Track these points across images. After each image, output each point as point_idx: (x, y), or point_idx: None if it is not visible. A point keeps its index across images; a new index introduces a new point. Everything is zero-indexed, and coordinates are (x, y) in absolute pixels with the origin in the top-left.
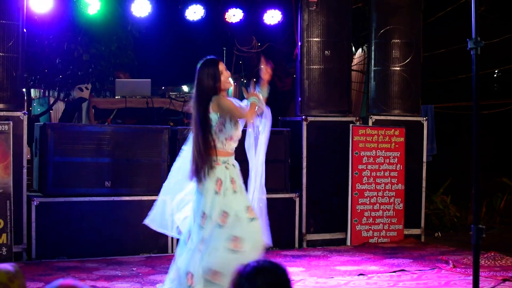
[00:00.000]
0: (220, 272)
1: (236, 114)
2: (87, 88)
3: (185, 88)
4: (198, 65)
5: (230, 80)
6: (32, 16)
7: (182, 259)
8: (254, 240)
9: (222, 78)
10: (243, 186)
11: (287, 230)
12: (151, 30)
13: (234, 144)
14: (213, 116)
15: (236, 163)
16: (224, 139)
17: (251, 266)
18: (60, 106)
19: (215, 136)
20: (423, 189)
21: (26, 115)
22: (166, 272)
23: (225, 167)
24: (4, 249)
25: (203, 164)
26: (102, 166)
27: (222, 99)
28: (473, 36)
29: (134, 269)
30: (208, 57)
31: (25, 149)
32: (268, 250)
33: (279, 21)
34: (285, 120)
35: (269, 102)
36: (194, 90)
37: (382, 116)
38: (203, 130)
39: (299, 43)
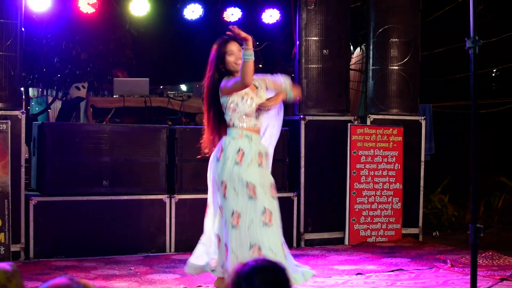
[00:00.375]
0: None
1: (236, 86)
2: (84, 87)
3: (183, 87)
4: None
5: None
6: (30, 15)
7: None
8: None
9: (231, 58)
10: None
11: (285, 229)
12: (150, 29)
13: (254, 121)
14: (223, 100)
15: (263, 144)
16: (240, 117)
17: (250, 265)
18: (58, 105)
19: (231, 116)
20: (421, 189)
21: (24, 114)
22: (164, 272)
23: (248, 140)
24: (2, 248)
25: (218, 135)
26: (100, 165)
27: (227, 81)
28: (471, 35)
29: (132, 268)
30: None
31: (23, 148)
32: None
33: (277, 20)
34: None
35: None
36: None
37: (380, 115)
38: (215, 109)
39: (298, 42)
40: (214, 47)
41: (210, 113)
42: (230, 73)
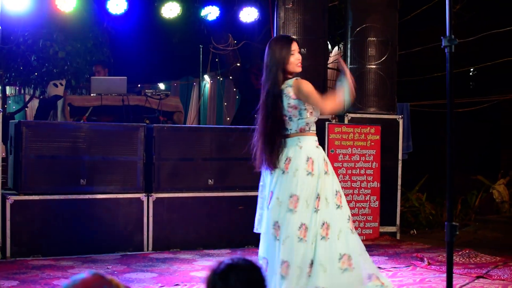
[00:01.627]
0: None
1: (314, 102)
2: (61, 84)
3: (161, 85)
4: (269, 43)
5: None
6: (7, 13)
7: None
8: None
9: (293, 59)
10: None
11: None
12: (127, 28)
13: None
14: (296, 102)
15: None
16: (314, 122)
17: (225, 263)
18: (36, 104)
19: (308, 120)
20: (399, 187)
21: (1, 113)
22: (141, 270)
23: (316, 146)
24: None
25: (274, 148)
26: (78, 164)
27: (303, 83)
28: (448, 34)
29: (110, 267)
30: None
31: (0, 146)
32: (243, 248)
33: (255, 19)
34: None
35: (245, 99)
36: (263, 71)
37: (358, 114)
38: (278, 113)
39: None
40: (276, 47)
41: (270, 119)
42: (290, 73)
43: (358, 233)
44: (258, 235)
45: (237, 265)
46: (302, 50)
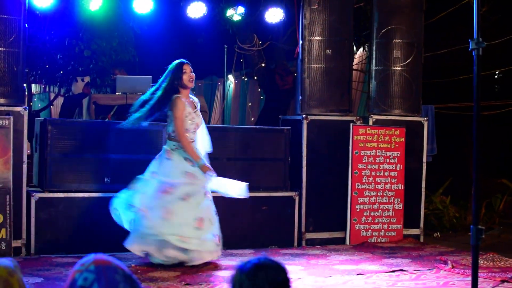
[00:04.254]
0: None
1: (176, 125)
2: (82, 80)
3: None
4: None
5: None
6: (33, 11)
7: None
8: None
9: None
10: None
11: (286, 228)
12: (153, 27)
13: (192, 135)
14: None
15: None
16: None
17: (252, 263)
18: (61, 102)
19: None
20: (423, 189)
21: (27, 110)
22: (165, 269)
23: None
24: (3, 244)
25: None
26: (102, 162)
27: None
28: (475, 36)
29: (133, 265)
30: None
31: (25, 144)
32: (267, 248)
33: (280, 20)
34: (285, 118)
35: (269, 100)
36: None
37: (382, 116)
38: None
39: (301, 42)
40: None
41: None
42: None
43: (381, 235)
44: (281, 235)
45: (264, 264)
46: (328, 51)
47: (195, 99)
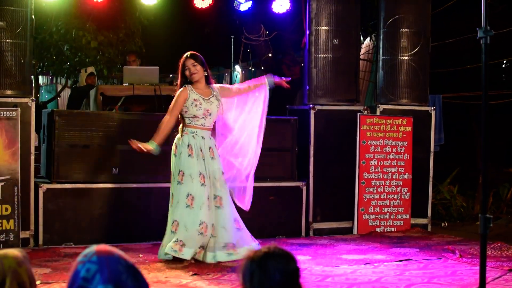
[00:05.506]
0: None
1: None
2: (85, 71)
3: None
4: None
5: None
6: (40, 3)
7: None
8: None
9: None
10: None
11: (294, 218)
12: (160, 18)
13: (202, 121)
14: None
15: (207, 136)
16: (190, 117)
17: (263, 252)
18: (68, 93)
19: (185, 115)
20: (430, 179)
21: (34, 102)
22: (173, 260)
23: (192, 136)
24: (11, 235)
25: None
26: (110, 153)
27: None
28: (483, 25)
29: (141, 255)
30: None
31: (33, 135)
32: (274, 238)
33: (287, 10)
34: (292, 108)
35: (276, 90)
36: None
37: (389, 106)
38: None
39: (308, 32)
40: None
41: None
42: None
43: (389, 224)
44: (289, 225)
45: (274, 253)
46: (335, 41)
47: (214, 88)
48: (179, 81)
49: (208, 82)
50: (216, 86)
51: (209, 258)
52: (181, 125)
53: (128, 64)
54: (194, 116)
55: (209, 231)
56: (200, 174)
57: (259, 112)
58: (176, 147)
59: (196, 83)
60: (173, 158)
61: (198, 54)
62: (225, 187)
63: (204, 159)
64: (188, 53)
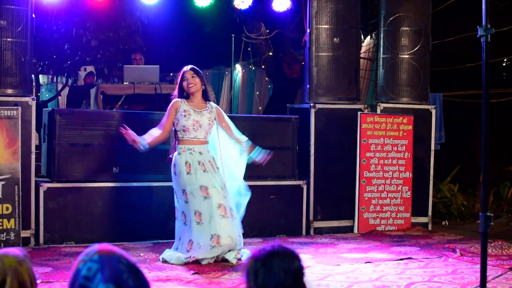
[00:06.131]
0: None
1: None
2: (85, 70)
3: None
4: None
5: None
6: (40, 2)
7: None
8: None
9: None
10: (213, 167)
11: (295, 217)
12: (160, 16)
13: (194, 133)
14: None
15: (205, 151)
16: (181, 130)
17: (267, 250)
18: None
19: (176, 128)
20: (431, 178)
21: (35, 101)
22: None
23: (190, 153)
24: (12, 234)
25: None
26: (111, 152)
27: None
28: (484, 23)
29: (142, 254)
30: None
31: (34, 134)
32: (275, 237)
33: (288, 8)
34: (293, 107)
35: (277, 89)
36: None
37: (390, 104)
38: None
39: (308, 30)
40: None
41: None
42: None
43: (389, 223)
44: (290, 224)
45: (279, 252)
46: (335, 39)
47: (211, 105)
48: (176, 92)
49: (205, 97)
50: (214, 105)
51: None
52: (177, 143)
53: (133, 62)
54: (185, 129)
55: (224, 240)
56: (201, 188)
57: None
58: (175, 166)
59: (192, 97)
60: (173, 177)
61: (198, 69)
62: (230, 196)
63: (207, 171)
64: (189, 66)
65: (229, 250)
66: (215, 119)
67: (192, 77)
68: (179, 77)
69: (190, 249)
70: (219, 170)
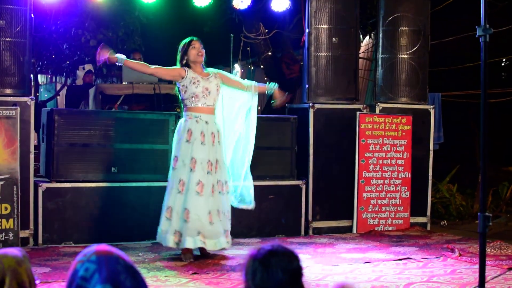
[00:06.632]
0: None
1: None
2: (83, 69)
3: None
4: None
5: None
6: (39, 1)
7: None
8: None
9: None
10: (213, 140)
11: (293, 217)
12: (159, 16)
13: (203, 99)
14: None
15: (212, 121)
16: (190, 98)
17: (265, 249)
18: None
19: (184, 97)
20: (430, 178)
21: (34, 101)
22: (172, 259)
23: (196, 121)
24: (11, 234)
25: None
26: (109, 152)
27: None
28: (482, 23)
29: (141, 254)
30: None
31: (32, 134)
32: (274, 237)
33: (287, 8)
34: (292, 107)
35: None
36: None
37: (389, 104)
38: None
39: (307, 30)
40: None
41: None
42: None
43: (388, 223)
44: (289, 224)
45: (277, 251)
46: (334, 39)
47: (213, 72)
48: (178, 57)
49: (204, 66)
50: (215, 70)
51: (210, 245)
52: (184, 110)
53: None
54: (194, 96)
55: (202, 218)
56: (191, 159)
57: (243, 117)
58: (178, 132)
59: (193, 66)
60: (173, 143)
61: None
62: (226, 173)
63: (204, 143)
64: (194, 37)
65: (204, 237)
66: (219, 84)
67: (201, 47)
68: (184, 45)
69: (170, 217)
70: (220, 144)
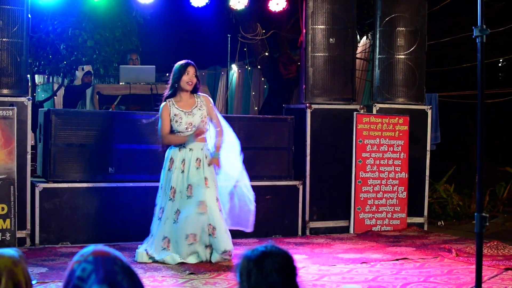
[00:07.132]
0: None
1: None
2: (83, 69)
3: None
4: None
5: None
6: (36, 2)
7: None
8: None
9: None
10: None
11: (290, 217)
12: (156, 17)
13: (188, 133)
14: None
15: (198, 148)
16: (175, 132)
17: (259, 250)
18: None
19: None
20: (427, 178)
21: (30, 101)
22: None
23: (178, 150)
24: (7, 235)
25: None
26: (106, 152)
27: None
28: (479, 23)
29: None
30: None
31: (29, 134)
32: (271, 237)
33: (284, 8)
34: (289, 107)
35: (273, 89)
36: None
37: (386, 104)
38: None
39: (304, 31)
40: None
41: None
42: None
43: (385, 223)
44: (285, 224)
45: (271, 252)
46: (331, 40)
47: (199, 99)
48: (169, 83)
49: (193, 91)
50: (203, 95)
51: (191, 260)
52: None
53: (130, 62)
54: (177, 132)
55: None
56: (171, 188)
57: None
58: (164, 160)
59: (181, 93)
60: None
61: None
62: (212, 193)
63: (184, 172)
64: (190, 61)
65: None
66: (207, 114)
67: (194, 75)
68: (180, 70)
69: (168, 247)
70: (210, 166)
